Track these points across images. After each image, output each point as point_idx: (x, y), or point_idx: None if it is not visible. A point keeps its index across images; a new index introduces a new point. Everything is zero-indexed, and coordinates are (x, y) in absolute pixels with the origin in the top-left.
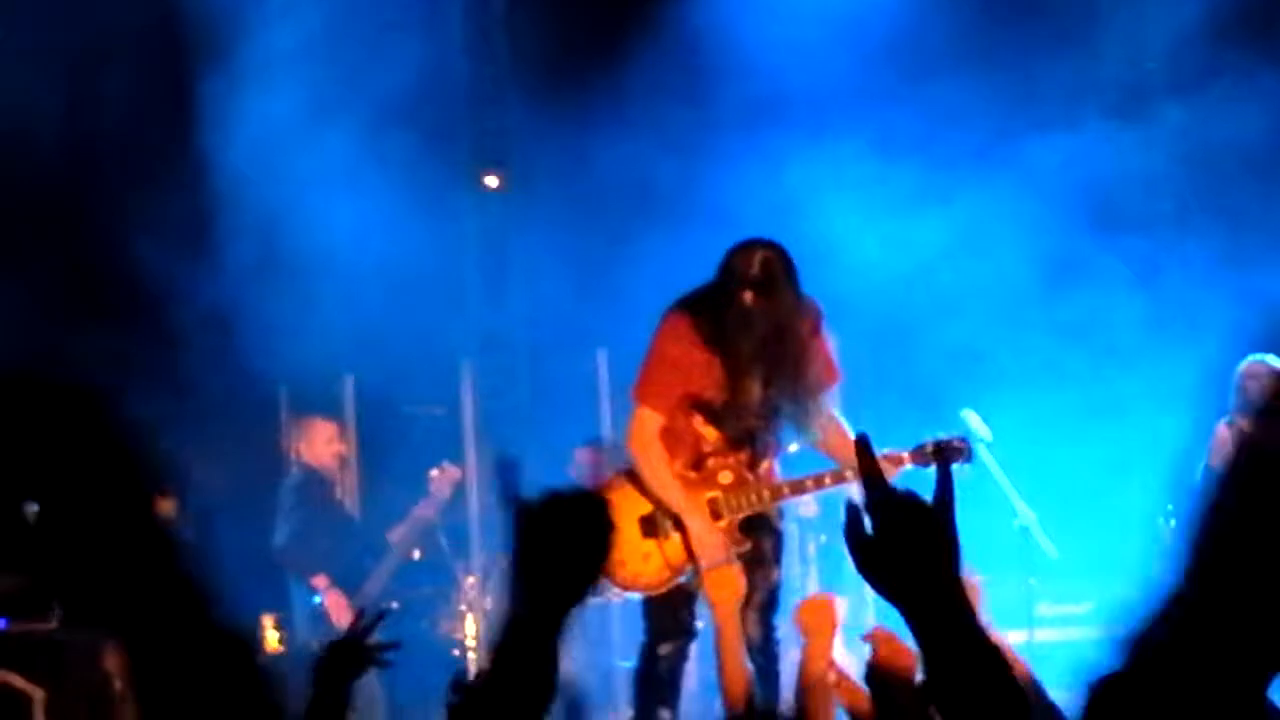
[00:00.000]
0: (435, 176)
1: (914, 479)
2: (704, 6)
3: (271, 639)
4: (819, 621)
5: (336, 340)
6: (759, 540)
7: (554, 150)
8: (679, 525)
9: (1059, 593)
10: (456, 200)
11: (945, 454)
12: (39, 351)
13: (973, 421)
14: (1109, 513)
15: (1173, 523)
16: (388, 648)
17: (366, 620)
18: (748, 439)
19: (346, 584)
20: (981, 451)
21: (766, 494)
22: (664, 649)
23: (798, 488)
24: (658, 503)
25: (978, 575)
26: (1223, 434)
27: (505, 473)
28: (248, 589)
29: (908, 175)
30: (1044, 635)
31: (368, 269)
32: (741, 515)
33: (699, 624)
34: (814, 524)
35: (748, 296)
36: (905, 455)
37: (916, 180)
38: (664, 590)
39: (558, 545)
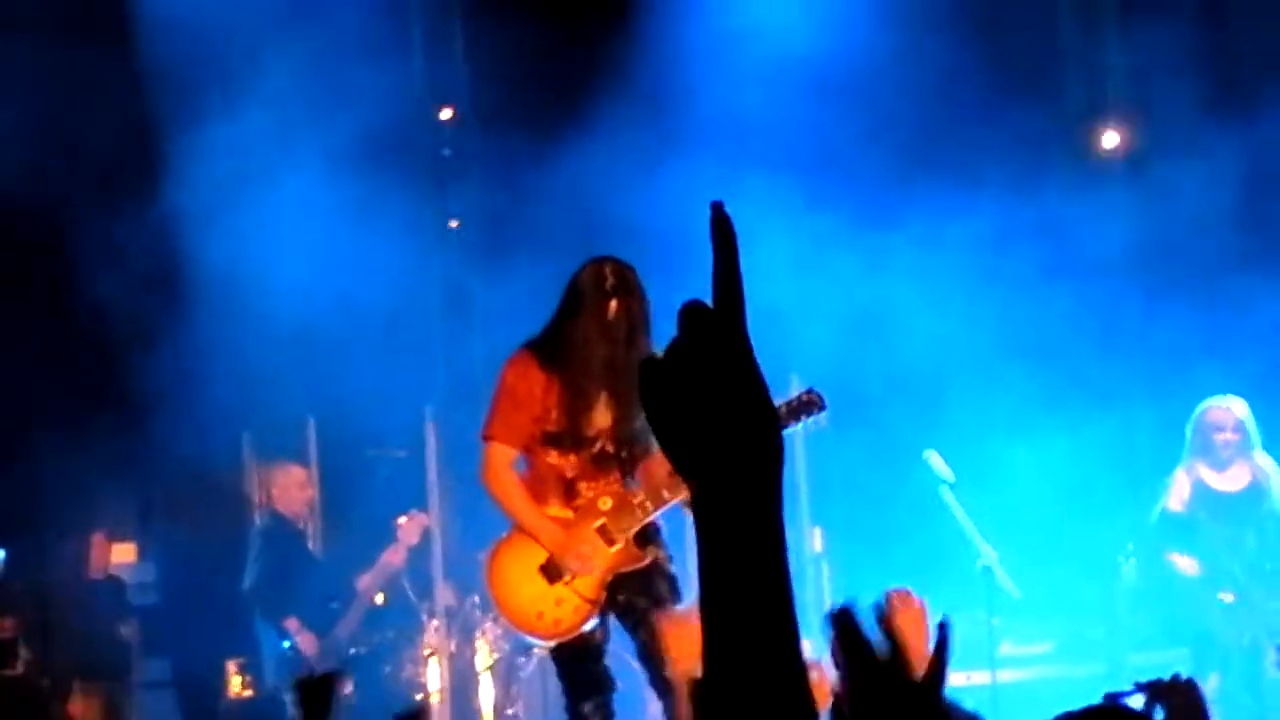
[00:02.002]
0: (398, 218)
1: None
2: (662, 44)
3: (236, 683)
4: None
5: (299, 384)
6: (655, 588)
7: (517, 191)
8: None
9: (1021, 633)
10: (420, 241)
11: (800, 410)
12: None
13: (935, 462)
14: (1071, 553)
15: (1133, 562)
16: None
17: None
18: (613, 461)
19: (315, 628)
20: (944, 492)
21: (649, 503)
22: (586, 707)
23: (676, 487)
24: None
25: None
26: (1180, 478)
27: None
28: (213, 633)
29: (873, 218)
30: (1006, 675)
31: (331, 311)
32: (634, 532)
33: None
34: None
35: (612, 305)
36: None
37: (873, 220)
38: (586, 627)
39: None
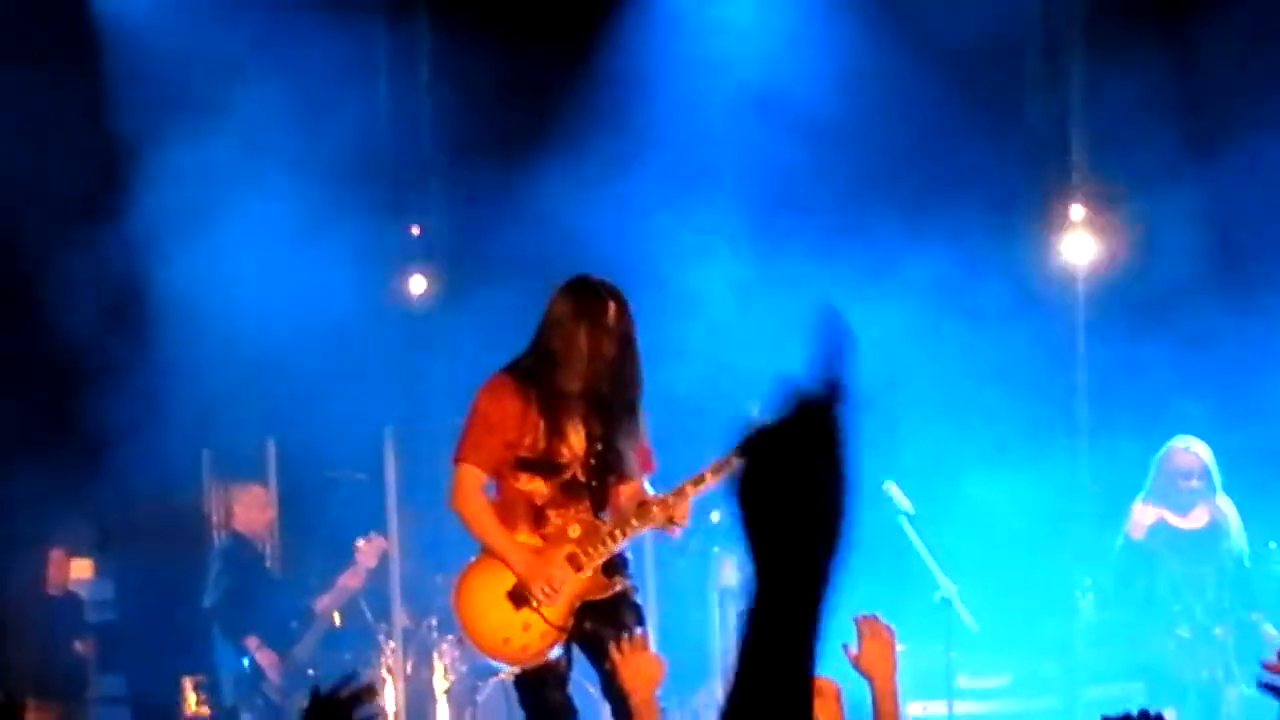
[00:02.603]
0: (359, 242)
1: None
2: (628, 76)
3: (191, 700)
4: None
5: (259, 405)
6: (622, 617)
7: (480, 215)
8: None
9: (978, 665)
10: (380, 265)
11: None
12: None
13: (893, 493)
14: (1029, 587)
15: (1090, 596)
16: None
17: (353, 686)
18: (583, 490)
19: (274, 647)
20: (903, 524)
21: (618, 532)
22: None
23: (644, 517)
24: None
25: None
26: (1142, 509)
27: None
28: (170, 651)
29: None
30: (963, 708)
31: (291, 334)
32: (602, 560)
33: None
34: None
35: (611, 308)
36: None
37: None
38: (552, 654)
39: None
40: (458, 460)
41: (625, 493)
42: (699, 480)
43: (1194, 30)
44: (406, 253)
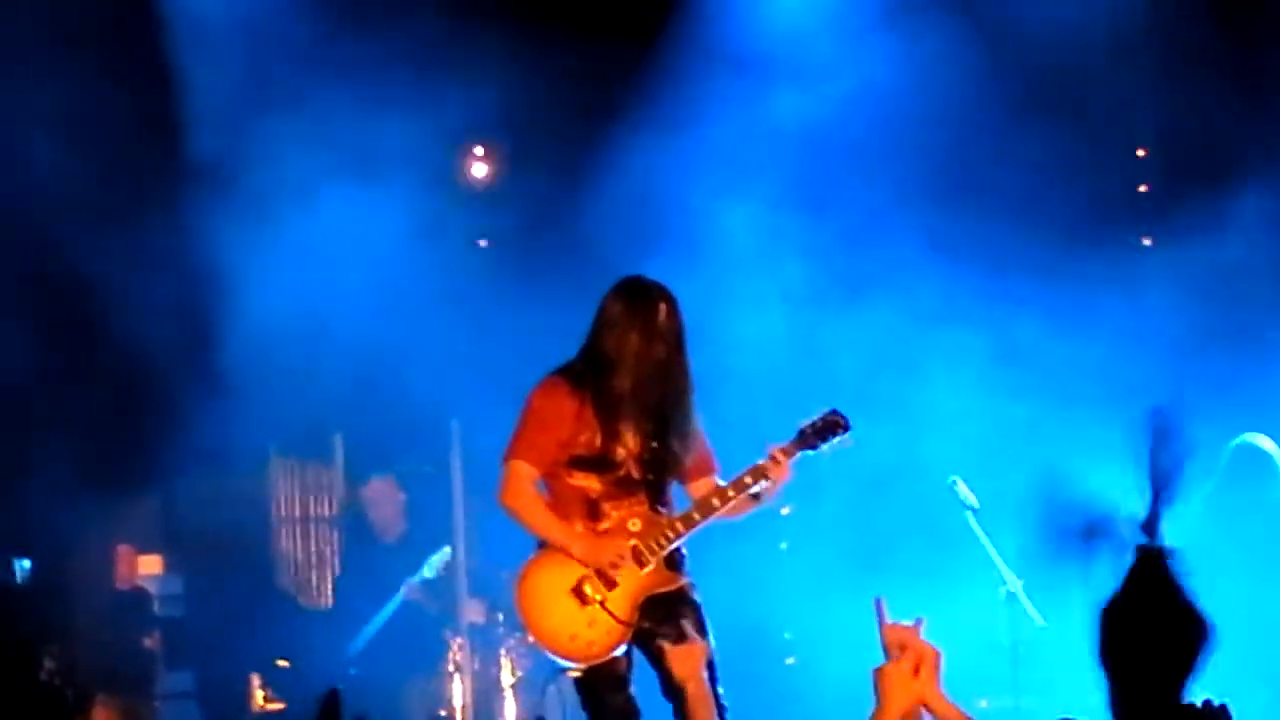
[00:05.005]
0: (427, 236)
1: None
2: (691, 68)
3: (259, 696)
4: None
5: (327, 399)
6: (679, 619)
7: (546, 212)
8: (606, 580)
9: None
10: (448, 258)
11: (825, 430)
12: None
13: (961, 489)
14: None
15: None
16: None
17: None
18: (639, 485)
19: None
20: (969, 519)
21: (680, 525)
22: None
23: (706, 509)
24: (579, 564)
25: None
26: None
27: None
28: (238, 646)
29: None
30: (1030, 702)
31: (359, 327)
32: (664, 554)
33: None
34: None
35: (662, 308)
36: (788, 447)
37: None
38: (618, 651)
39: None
40: (509, 458)
41: (696, 490)
42: (757, 472)
43: None
44: (474, 248)
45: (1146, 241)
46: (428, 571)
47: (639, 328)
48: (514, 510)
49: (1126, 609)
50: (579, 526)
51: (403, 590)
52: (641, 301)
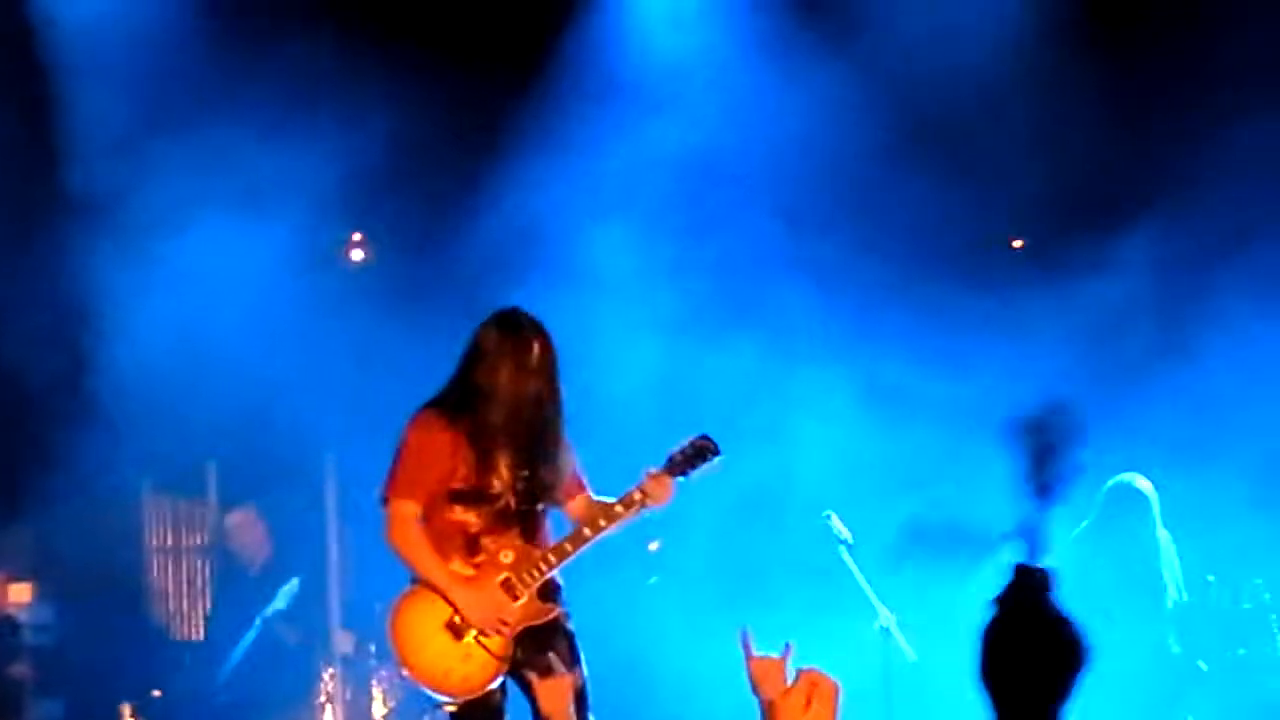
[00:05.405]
0: (303, 263)
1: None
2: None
3: None
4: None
5: (202, 429)
6: (549, 650)
7: (427, 236)
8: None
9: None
10: (325, 286)
11: (694, 457)
12: None
13: (835, 523)
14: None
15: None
16: None
17: None
18: (513, 518)
19: None
20: (843, 553)
21: (552, 557)
22: None
23: (578, 540)
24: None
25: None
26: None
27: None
28: (109, 675)
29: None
30: None
31: (235, 351)
32: (536, 586)
33: None
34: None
35: (535, 346)
36: (658, 473)
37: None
38: (493, 685)
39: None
40: (393, 497)
41: (573, 509)
42: (627, 503)
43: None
44: (352, 275)
45: (1027, 279)
46: (280, 603)
47: (511, 362)
48: (401, 551)
49: (1004, 626)
50: (457, 562)
51: (257, 622)
52: (514, 335)
